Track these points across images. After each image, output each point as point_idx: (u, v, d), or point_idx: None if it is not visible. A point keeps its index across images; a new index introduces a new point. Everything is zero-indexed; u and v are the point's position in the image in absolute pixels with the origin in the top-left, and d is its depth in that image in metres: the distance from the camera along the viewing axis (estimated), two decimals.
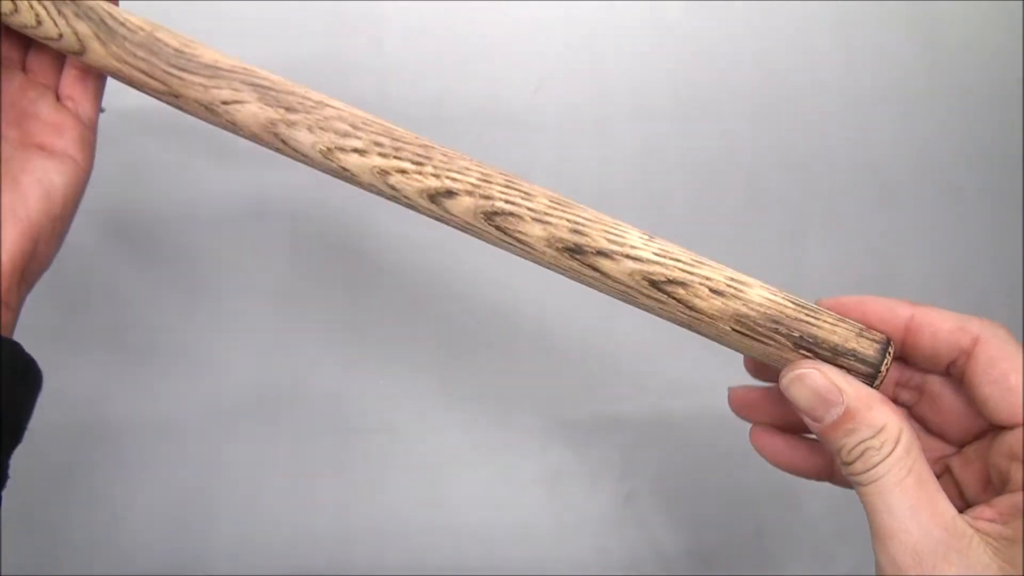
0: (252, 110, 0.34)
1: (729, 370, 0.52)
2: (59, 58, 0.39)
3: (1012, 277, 0.55)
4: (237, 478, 0.48)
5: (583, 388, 0.51)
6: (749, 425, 0.51)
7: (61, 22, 0.35)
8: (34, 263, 0.35)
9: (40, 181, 0.35)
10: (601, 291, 0.33)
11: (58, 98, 0.38)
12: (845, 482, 0.28)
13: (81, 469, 0.48)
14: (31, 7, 0.35)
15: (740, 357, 0.53)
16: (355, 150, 0.34)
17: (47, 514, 0.48)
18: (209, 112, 0.35)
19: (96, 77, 0.39)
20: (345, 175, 0.34)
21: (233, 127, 0.35)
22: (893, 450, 0.25)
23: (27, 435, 0.49)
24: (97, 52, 0.36)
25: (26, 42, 0.39)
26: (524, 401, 0.51)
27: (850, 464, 0.26)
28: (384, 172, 0.33)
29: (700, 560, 0.47)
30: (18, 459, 0.49)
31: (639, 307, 0.33)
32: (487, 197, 0.33)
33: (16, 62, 0.38)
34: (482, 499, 0.49)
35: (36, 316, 0.37)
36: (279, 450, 0.49)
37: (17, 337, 0.33)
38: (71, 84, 0.39)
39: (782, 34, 0.60)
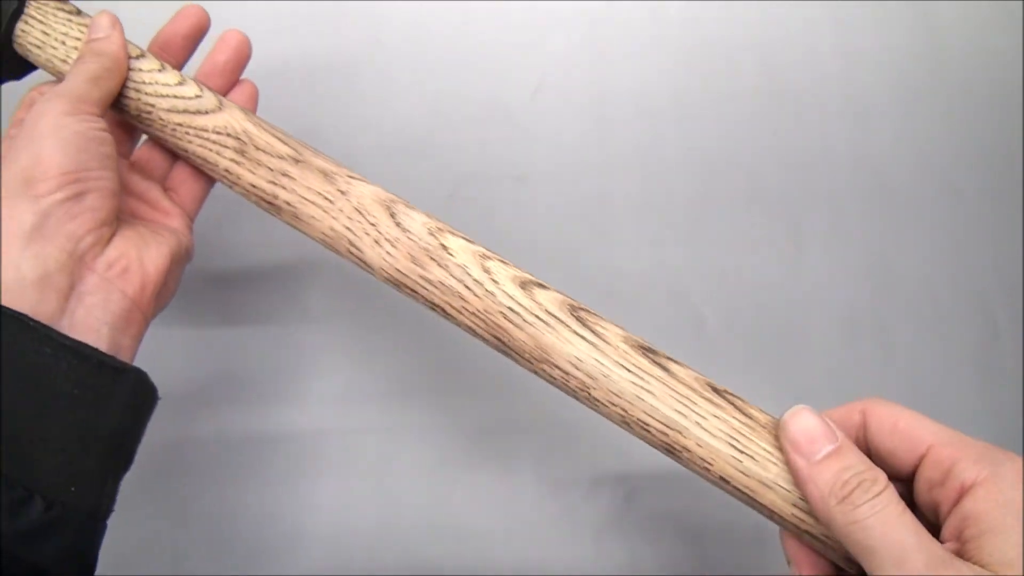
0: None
1: (728, 372, 0.52)
2: (168, 158, 0.42)
3: (1012, 277, 0.55)
4: (238, 478, 0.48)
5: None
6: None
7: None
8: (160, 299, 0.37)
9: (168, 231, 0.38)
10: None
11: (164, 189, 0.41)
12: None
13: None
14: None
15: (740, 358, 0.53)
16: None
17: None
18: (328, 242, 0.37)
19: (207, 181, 0.42)
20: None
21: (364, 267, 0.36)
22: (887, 486, 0.27)
23: None
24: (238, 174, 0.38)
25: (134, 137, 0.42)
26: (524, 401, 0.51)
27: (846, 497, 0.27)
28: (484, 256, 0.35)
29: (700, 560, 0.47)
30: None
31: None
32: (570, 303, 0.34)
33: (125, 154, 0.42)
34: (482, 499, 0.49)
35: None
36: (279, 450, 0.49)
37: None
38: (180, 181, 0.41)
39: (782, 34, 0.60)
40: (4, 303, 0.30)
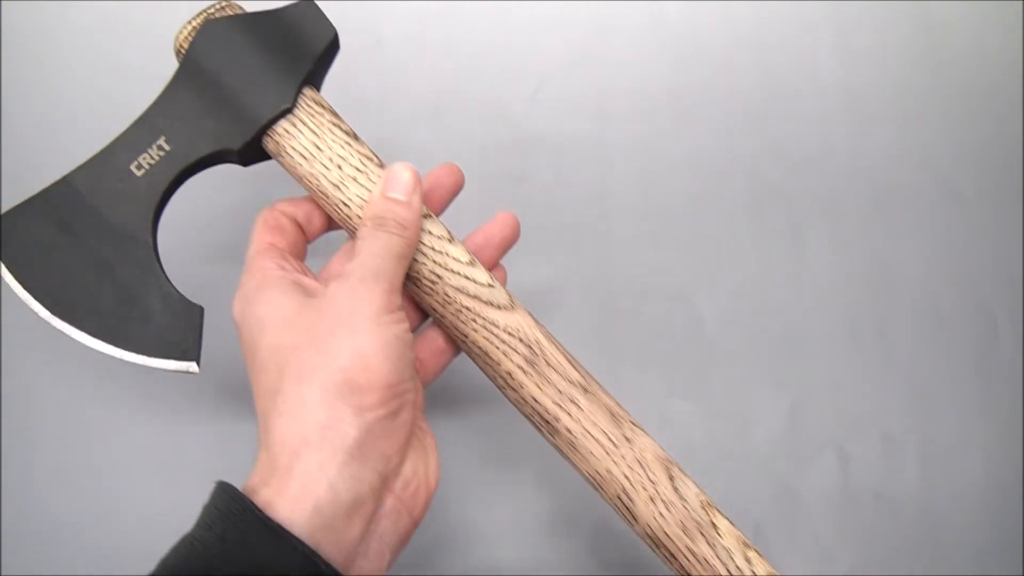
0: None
1: (728, 372, 0.52)
2: (415, 315, 0.39)
3: (1012, 277, 0.55)
4: (238, 476, 0.48)
5: None
6: (747, 427, 0.51)
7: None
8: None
9: (429, 435, 0.36)
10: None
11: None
12: None
13: (81, 469, 0.48)
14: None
15: (740, 358, 0.53)
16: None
17: (47, 514, 0.48)
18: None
19: (451, 353, 0.39)
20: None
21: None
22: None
23: (27, 434, 0.49)
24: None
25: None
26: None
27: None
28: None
29: None
30: (18, 459, 0.49)
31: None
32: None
33: None
34: (482, 499, 0.49)
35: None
36: None
37: None
38: (428, 352, 0.39)
39: (782, 34, 0.60)
40: (309, 524, 0.28)
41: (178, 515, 0.48)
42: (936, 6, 0.61)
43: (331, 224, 0.39)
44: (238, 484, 0.30)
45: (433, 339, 0.39)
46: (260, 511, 0.28)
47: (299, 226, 0.38)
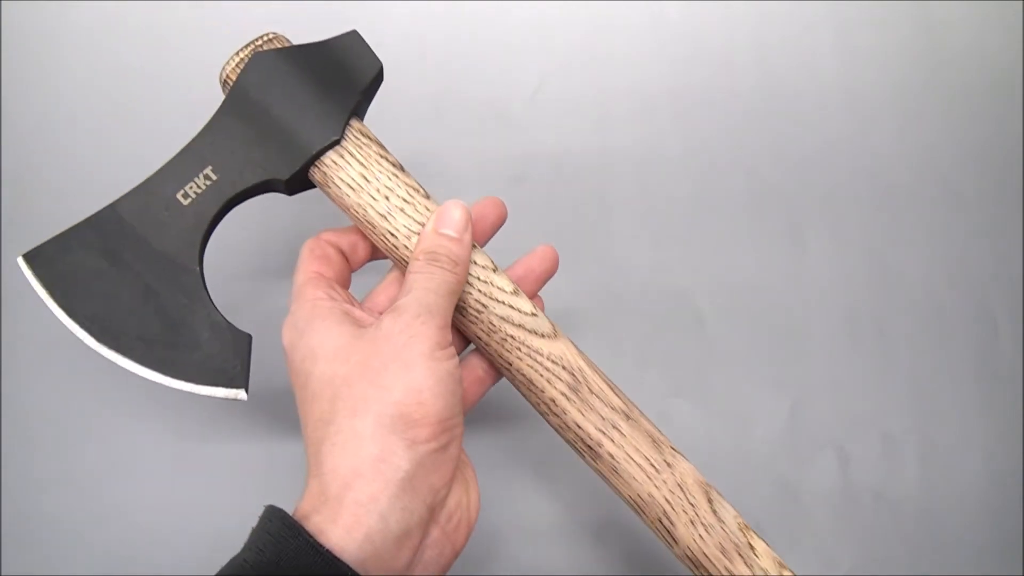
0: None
1: (728, 372, 0.52)
2: (459, 343, 0.40)
3: (1012, 277, 0.55)
4: (238, 477, 0.48)
5: None
6: (747, 426, 0.51)
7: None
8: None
9: (471, 468, 0.37)
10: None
11: None
12: None
13: (81, 470, 0.48)
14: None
15: (740, 358, 0.53)
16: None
17: (47, 514, 0.48)
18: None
19: (491, 382, 0.40)
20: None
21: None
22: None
23: (27, 435, 0.49)
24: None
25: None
26: (524, 401, 0.51)
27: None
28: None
29: None
30: (17, 458, 0.49)
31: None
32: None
33: None
34: (481, 499, 0.49)
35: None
36: (280, 451, 0.49)
37: None
38: (469, 381, 0.40)
39: (782, 34, 0.60)
40: (360, 552, 0.29)
41: (178, 515, 0.48)
42: (936, 6, 0.61)
43: (375, 254, 0.40)
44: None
45: (473, 368, 0.40)
46: (312, 538, 0.29)
47: (344, 256, 0.39)
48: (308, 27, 0.58)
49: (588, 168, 0.56)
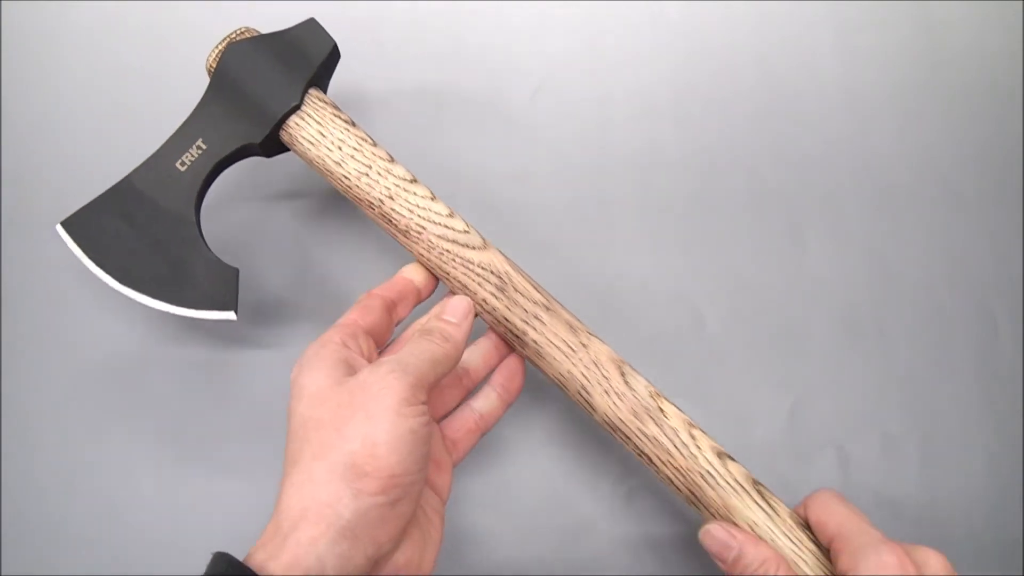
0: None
1: (728, 372, 0.52)
2: (453, 396, 0.44)
3: (1012, 277, 0.55)
4: (238, 476, 0.48)
5: None
6: (747, 426, 0.51)
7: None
8: None
9: (438, 518, 0.39)
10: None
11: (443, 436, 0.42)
12: None
13: (81, 470, 0.48)
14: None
15: (740, 358, 0.53)
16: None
17: (47, 514, 0.48)
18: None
19: (480, 433, 0.43)
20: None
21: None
22: (777, 565, 0.37)
23: (27, 434, 0.49)
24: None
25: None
26: (525, 401, 0.51)
27: None
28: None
29: (701, 560, 0.47)
30: (18, 459, 0.49)
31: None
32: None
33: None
34: (481, 500, 0.49)
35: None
36: (280, 451, 0.49)
37: None
38: (460, 432, 0.43)
39: (782, 34, 0.60)
40: None
41: (178, 515, 0.48)
42: (936, 6, 0.61)
43: (410, 307, 0.44)
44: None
45: (465, 420, 0.43)
46: (252, 571, 0.30)
47: (388, 309, 0.41)
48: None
49: (588, 168, 0.56)
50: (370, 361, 0.39)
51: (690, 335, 0.52)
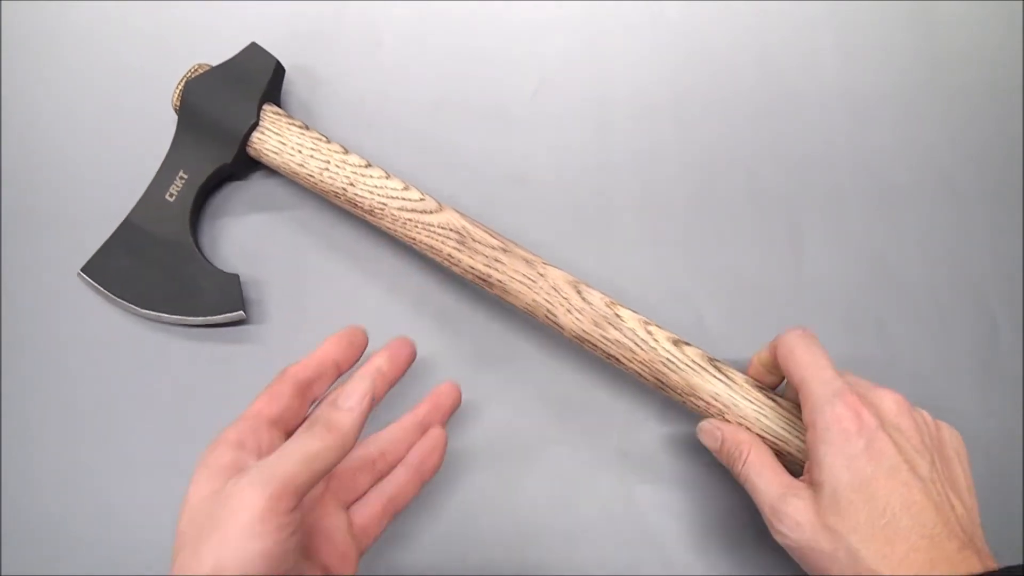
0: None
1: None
2: (364, 480, 0.42)
3: (1012, 277, 0.55)
4: None
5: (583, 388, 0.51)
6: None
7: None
8: None
9: None
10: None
11: (350, 524, 0.40)
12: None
13: (81, 469, 0.48)
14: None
15: (740, 358, 0.53)
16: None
17: (47, 514, 0.48)
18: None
19: (391, 516, 0.42)
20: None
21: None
22: (749, 450, 0.42)
23: (27, 434, 0.49)
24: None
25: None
26: (524, 402, 0.51)
27: (730, 464, 0.43)
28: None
29: (701, 560, 0.47)
30: (18, 459, 0.49)
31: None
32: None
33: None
34: (481, 500, 0.49)
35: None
36: None
37: None
38: (368, 517, 0.41)
39: (782, 34, 0.60)
40: None
41: (178, 515, 0.48)
42: (936, 6, 0.61)
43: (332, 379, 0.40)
44: None
45: (372, 505, 0.41)
46: None
47: (300, 391, 0.38)
48: (308, 27, 0.58)
49: (588, 168, 0.56)
50: None
51: (690, 334, 0.52)
